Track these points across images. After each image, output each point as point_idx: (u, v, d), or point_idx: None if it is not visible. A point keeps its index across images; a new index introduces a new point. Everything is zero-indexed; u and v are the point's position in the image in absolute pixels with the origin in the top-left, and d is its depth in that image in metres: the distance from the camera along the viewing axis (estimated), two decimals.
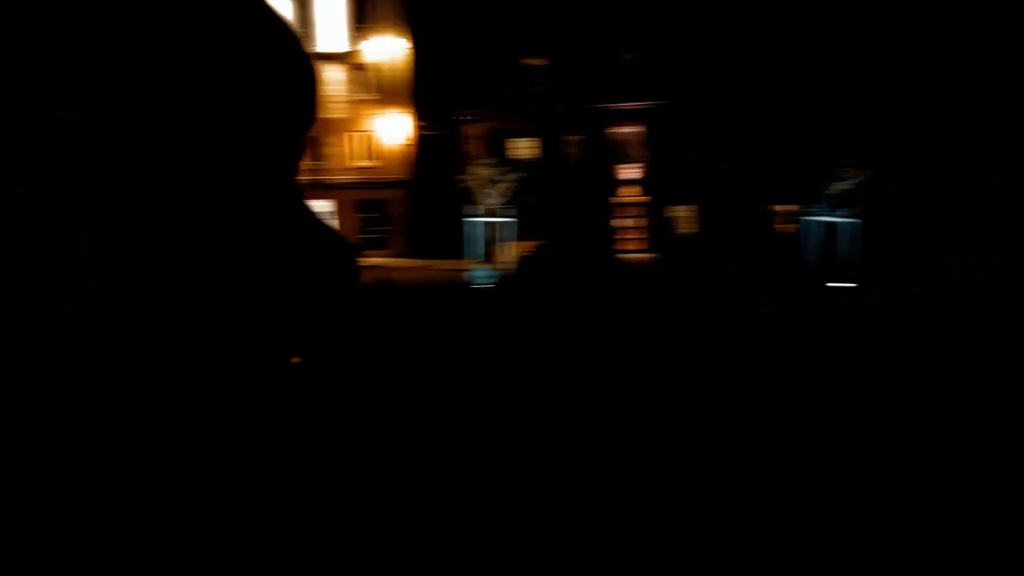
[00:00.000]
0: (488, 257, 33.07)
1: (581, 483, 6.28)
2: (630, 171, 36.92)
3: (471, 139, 38.32)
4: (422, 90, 38.86)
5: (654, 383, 10.52)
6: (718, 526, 5.29)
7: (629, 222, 37.05)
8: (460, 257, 34.69)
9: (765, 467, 6.62)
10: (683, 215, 36.36)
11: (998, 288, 20.77)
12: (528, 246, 31.46)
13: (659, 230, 36.40)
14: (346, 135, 40.18)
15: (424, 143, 39.17)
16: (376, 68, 39.41)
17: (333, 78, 40.24)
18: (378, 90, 39.49)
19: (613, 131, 36.82)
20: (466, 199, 34.38)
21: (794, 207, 33.56)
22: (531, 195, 34.91)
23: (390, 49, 39.07)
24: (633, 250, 35.78)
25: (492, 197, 34.10)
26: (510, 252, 31.66)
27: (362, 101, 39.80)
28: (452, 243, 35.92)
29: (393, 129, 39.30)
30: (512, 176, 34.19)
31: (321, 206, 41.10)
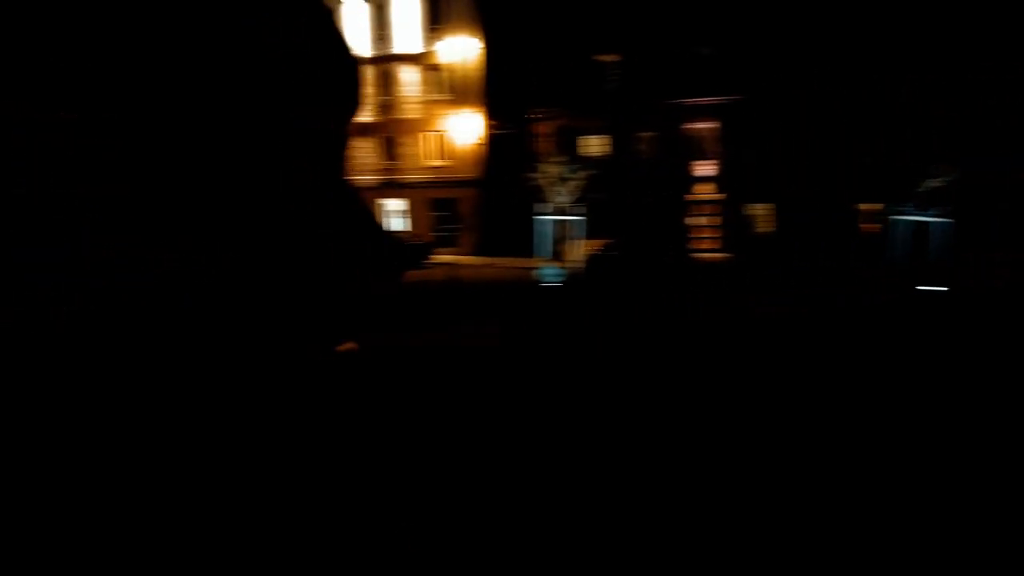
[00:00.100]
0: (557, 255, 32.11)
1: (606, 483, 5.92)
2: (704, 168, 35.27)
3: (542, 137, 37.41)
4: (493, 89, 38.21)
5: (719, 390, 9.49)
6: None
7: (703, 220, 35.42)
8: (530, 255, 33.90)
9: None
10: (760, 213, 34.50)
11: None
12: (597, 244, 30.35)
13: (734, 229, 34.65)
14: (420, 135, 39.97)
15: (495, 142, 38.52)
16: (449, 68, 39.01)
17: (408, 79, 40.09)
18: (451, 90, 39.08)
19: (687, 127, 35.24)
20: (536, 197, 33.50)
21: (879, 205, 31.38)
22: (601, 193, 33.76)
23: (463, 49, 38.59)
24: (707, 249, 34.17)
25: (562, 195, 33.11)
26: (579, 250, 30.62)
27: (435, 101, 39.48)
28: (522, 241, 35.12)
29: (465, 128, 38.81)
30: (582, 174, 33.11)
31: (395, 205, 41.05)
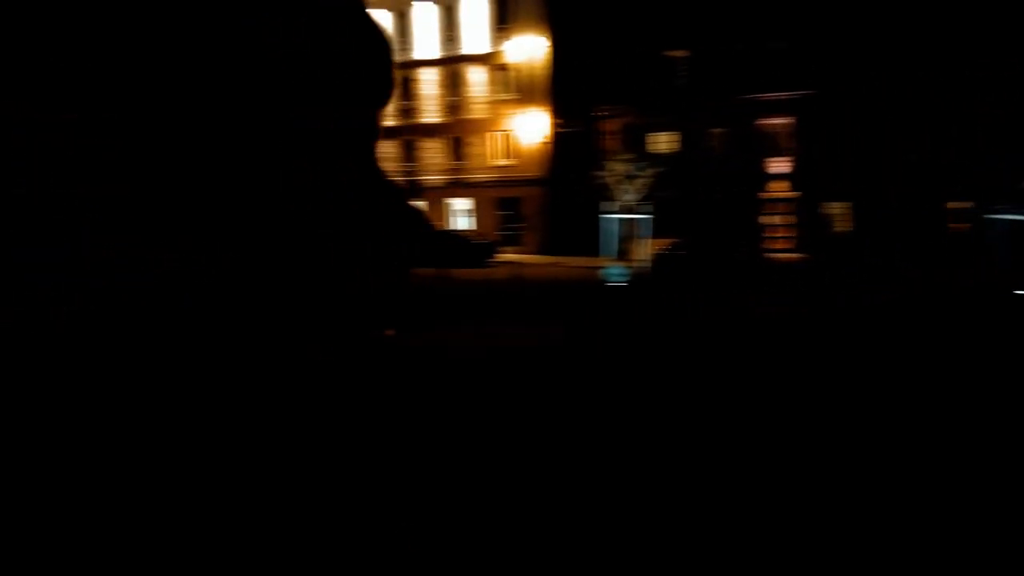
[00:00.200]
0: (623, 254, 30.83)
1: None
2: (778, 165, 33.34)
3: (608, 135, 36.11)
4: (559, 87, 37.14)
5: (782, 400, 8.38)
6: None
7: (775, 219, 33.49)
8: (596, 255, 32.76)
9: None
10: (836, 212, 32.36)
11: None
12: (664, 243, 28.92)
13: (809, 228, 32.60)
14: (487, 135, 39.29)
15: (560, 140, 37.43)
16: (516, 68, 38.17)
17: (475, 80, 39.47)
18: (517, 89, 38.21)
19: (760, 123, 33.38)
20: (602, 196, 32.29)
21: (968, 203, 28.92)
22: (669, 191, 32.30)
23: (530, 48, 37.67)
24: (780, 249, 32.25)
25: (629, 193, 31.79)
26: (646, 249, 29.27)
27: (502, 101, 38.69)
28: (587, 240, 33.95)
29: (530, 127, 37.86)
30: (650, 171, 31.71)
31: (461, 204, 40.49)
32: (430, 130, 40.76)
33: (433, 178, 40.77)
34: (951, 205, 29.73)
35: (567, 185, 35.90)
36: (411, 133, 41.26)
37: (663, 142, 35.11)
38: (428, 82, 40.59)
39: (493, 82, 38.87)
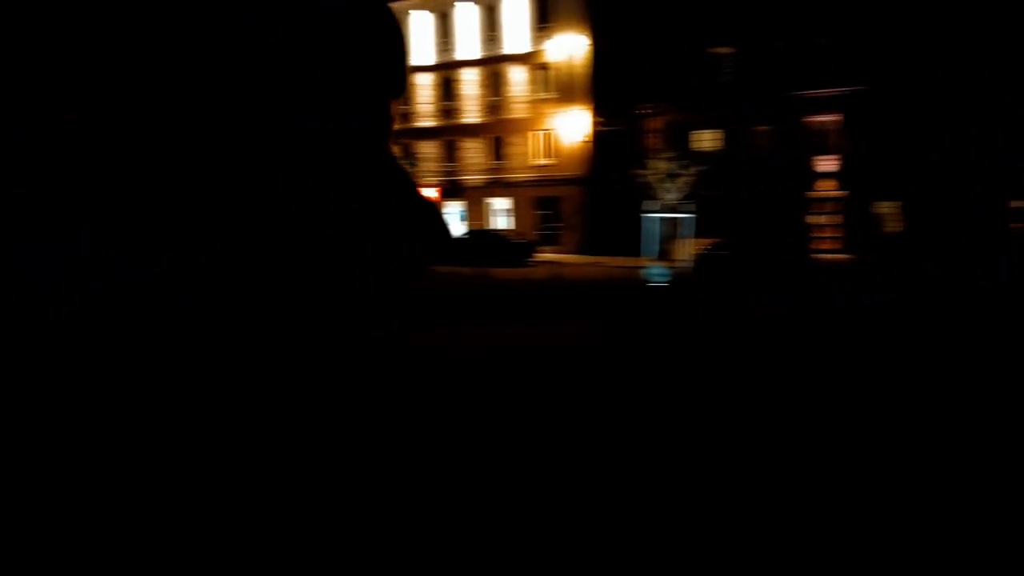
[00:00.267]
0: (664, 254, 29.95)
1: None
2: (825, 163, 32.07)
3: (650, 133, 35.21)
4: (600, 86, 36.33)
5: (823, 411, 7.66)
6: None
7: (822, 219, 32.21)
8: (636, 255, 31.94)
9: None
10: (886, 211, 30.97)
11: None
12: (706, 243, 27.98)
13: (857, 227, 31.25)
14: (526, 134, 38.71)
15: (601, 139, 36.62)
16: (556, 67, 37.51)
17: (516, 79, 38.92)
18: (557, 88, 37.54)
19: (807, 120, 32.12)
20: (644, 194, 31.43)
21: None
22: (713, 190, 31.29)
23: (571, 47, 36.95)
24: (827, 249, 30.97)
25: (671, 192, 30.88)
26: (688, 249, 28.35)
27: (542, 100, 38.06)
28: (628, 240, 33.11)
29: (571, 126, 37.15)
30: (693, 170, 30.76)
31: (500, 204, 40.01)
32: (471, 130, 40.36)
33: (473, 178, 40.37)
34: (1015, 204, 28.13)
35: (607, 184, 35.09)
36: (452, 133, 40.93)
37: (706, 140, 34.06)
38: (469, 82, 40.19)
39: (534, 81, 38.27)
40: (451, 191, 40.81)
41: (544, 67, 37.80)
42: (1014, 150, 27.74)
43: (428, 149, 41.60)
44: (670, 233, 30.78)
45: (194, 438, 6.03)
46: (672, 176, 30.75)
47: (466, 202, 40.73)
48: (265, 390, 6.95)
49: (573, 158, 37.16)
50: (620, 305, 17.60)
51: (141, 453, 5.69)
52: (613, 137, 35.84)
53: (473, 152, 40.33)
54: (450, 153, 41.17)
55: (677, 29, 33.61)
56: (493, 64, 39.31)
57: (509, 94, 38.99)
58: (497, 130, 39.44)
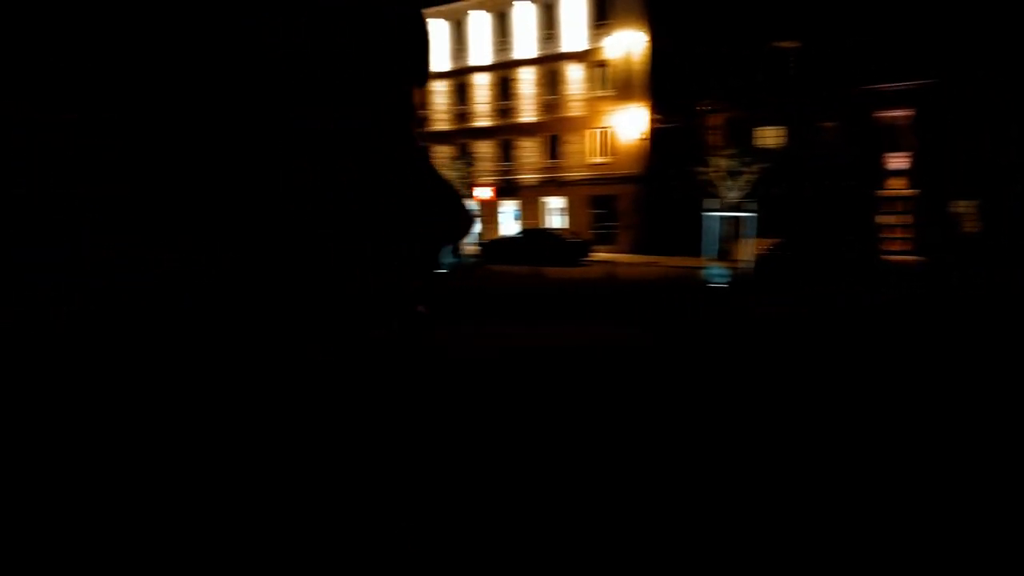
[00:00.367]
0: (724, 254, 28.61)
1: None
2: (895, 160, 30.14)
3: (710, 129, 33.80)
4: (659, 82, 35.08)
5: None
6: None
7: (891, 219, 30.29)
8: (694, 254, 30.65)
9: None
10: (961, 211, 28.89)
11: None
12: (768, 243, 26.54)
13: (930, 227, 29.27)
14: (582, 133, 37.74)
15: (658, 136, 35.38)
16: (613, 64, 36.45)
17: (573, 77, 37.97)
18: (614, 86, 36.47)
19: (876, 115, 30.26)
20: (702, 193, 30.10)
21: None
22: (775, 188, 29.75)
23: (629, 44, 35.84)
24: (897, 251, 29.09)
25: (732, 190, 29.49)
26: (749, 249, 26.95)
27: (599, 98, 37.05)
28: (686, 239, 31.82)
29: (627, 124, 36.00)
30: (755, 167, 29.32)
31: (555, 203, 39.13)
32: (527, 129, 39.60)
33: (528, 177, 39.61)
34: None
35: (664, 182, 33.85)
36: (508, 133, 40.25)
37: (769, 137, 32.48)
38: (526, 81, 39.44)
39: (591, 79, 37.26)
40: (506, 190, 40.15)
41: (602, 64, 36.77)
42: None
43: (484, 149, 41.02)
44: (731, 232, 29.39)
45: (194, 438, 5.65)
46: (734, 174, 29.33)
47: (520, 201, 40.00)
48: (265, 390, 6.53)
49: (629, 156, 36.01)
50: (677, 306, 16.66)
51: (141, 453, 5.33)
52: (670, 134, 34.55)
53: (529, 151, 39.56)
54: (506, 152, 40.50)
55: (739, 24, 32.12)
56: (550, 62, 38.45)
57: (566, 92, 38.07)
58: (553, 128, 38.57)
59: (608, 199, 36.70)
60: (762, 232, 27.28)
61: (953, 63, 27.93)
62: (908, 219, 29.88)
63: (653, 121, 35.29)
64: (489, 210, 40.41)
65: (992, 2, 26.97)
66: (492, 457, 5.78)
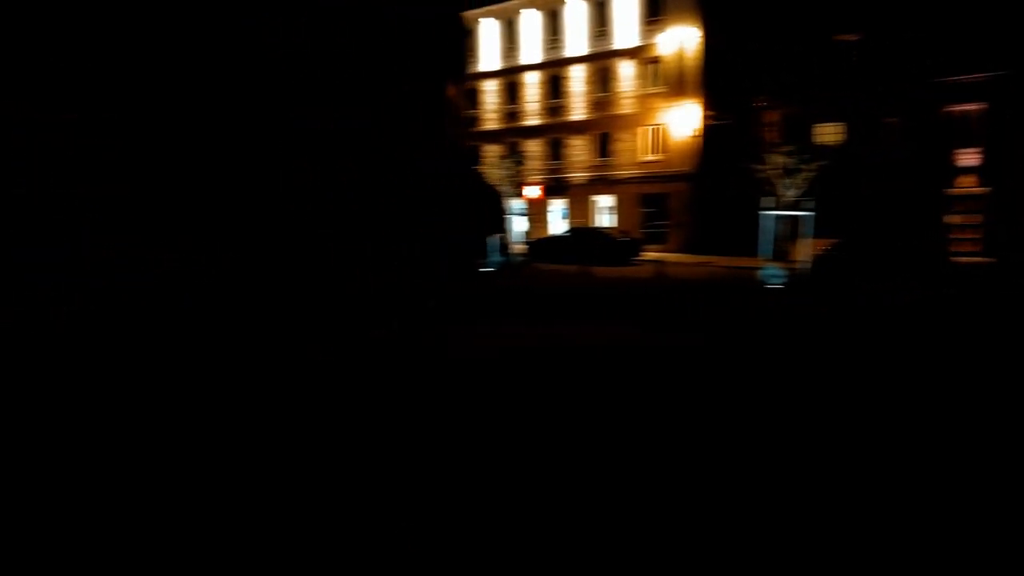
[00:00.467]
0: (780, 254, 27.31)
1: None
2: (964, 157, 28.36)
3: (766, 126, 32.42)
4: (712, 79, 33.81)
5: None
6: None
7: (957, 218, 28.52)
8: (748, 254, 29.39)
9: None
10: None
11: None
12: (826, 243, 25.18)
13: (1004, 227, 27.42)
14: (633, 130, 36.71)
15: (710, 134, 34.13)
16: (666, 60, 35.34)
17: (624, 74, 36.98)
18: (666, 83, 35.34)
19: (943, 110, 28.52)
20: (758, 191, 28.82)
21: None
22: (834, 186, 28.30)
23: (682, 40, 34.68)
24: (966, 252, 27.35)
25: (789, 188, 28.16)
26: (807, 249, 25.66)
27: (650, 95, 35.97)
28: (739, 239, 30.55)
29: (679, 121, 34.83)
30: (813, 164, 27.93)
31: (605, 201, 38.23)
32: (577, 127, 38.79)
33: (578, 175, 38.81)
34: None
35: (717, 180, 32.61)
36: (558, 131, 39.51)
37: (828, 133, 30.97)
38: (576, 79, 38.62)
39: (642, 76, 36.20)
40: (554, 189, 39.43)
41: (654, 61, 35.70)
42: None
43: (533, 147, 40.37)
44: (787, 232, 28.06)
45: (194, 438, 5.70)
46: (791, 171, 28.00)
47: (569, 200, 39.24)
48: (264, 390, 6.71)
49: (681, 153, 34.86)
50: (728, 307, 15.77)
51: (140, 453, 5.38)
52: (724, 131, 33.28)
53: (578, 149, 38.75)
54: (555, 151, 39.76)
55: (796, 17, 30.69)
56: (601, 60, 37.55)
57: (616, 90, 37.09)
58: (603, 126, 37.65)
59: (659, 197, 35.61)
60: (822, 232, 25.93)
61: None
62: (978, 218, 28.07)
63: (706, 118, 34.06)
64: (537, 209, 39.75)
65: None
66: (489, 457, 5.49)
